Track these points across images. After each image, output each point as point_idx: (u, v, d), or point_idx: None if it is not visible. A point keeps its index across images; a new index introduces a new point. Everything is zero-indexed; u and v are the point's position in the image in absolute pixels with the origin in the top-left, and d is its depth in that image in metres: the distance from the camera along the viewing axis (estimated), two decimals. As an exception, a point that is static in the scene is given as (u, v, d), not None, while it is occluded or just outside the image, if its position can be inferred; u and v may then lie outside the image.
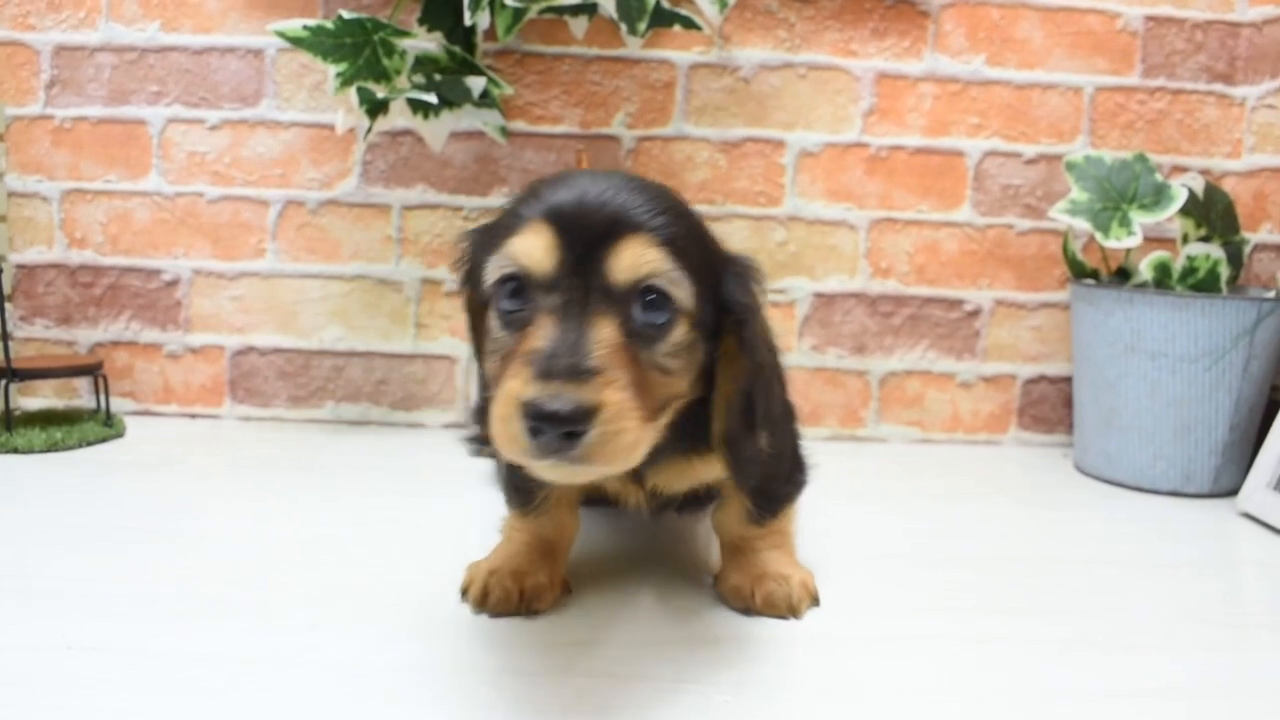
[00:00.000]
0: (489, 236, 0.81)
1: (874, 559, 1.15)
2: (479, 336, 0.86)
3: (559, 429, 0.68)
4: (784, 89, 1.65)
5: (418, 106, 1.46)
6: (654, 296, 0.76)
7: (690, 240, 0.80)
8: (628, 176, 0.81)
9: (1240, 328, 1.41)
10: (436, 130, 1.49)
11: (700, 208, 1.62)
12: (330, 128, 1.62)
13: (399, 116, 1.46)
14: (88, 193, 1.64)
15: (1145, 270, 1.47)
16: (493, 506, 1.12)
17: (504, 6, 1.43)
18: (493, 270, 0.78)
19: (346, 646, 0.87)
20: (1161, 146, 1.68)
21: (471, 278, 0.84)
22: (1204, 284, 1.47)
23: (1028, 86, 1.66)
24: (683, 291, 0.77)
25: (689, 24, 1.49)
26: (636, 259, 0.75)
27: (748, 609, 0.97)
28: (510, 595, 0.93)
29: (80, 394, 1.69)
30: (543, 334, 0.73)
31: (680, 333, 0.78)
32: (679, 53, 1.64)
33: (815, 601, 0.99)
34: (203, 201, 1.64)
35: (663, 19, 1.48)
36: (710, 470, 0.92)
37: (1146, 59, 1.67)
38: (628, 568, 1.09)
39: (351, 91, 1.39)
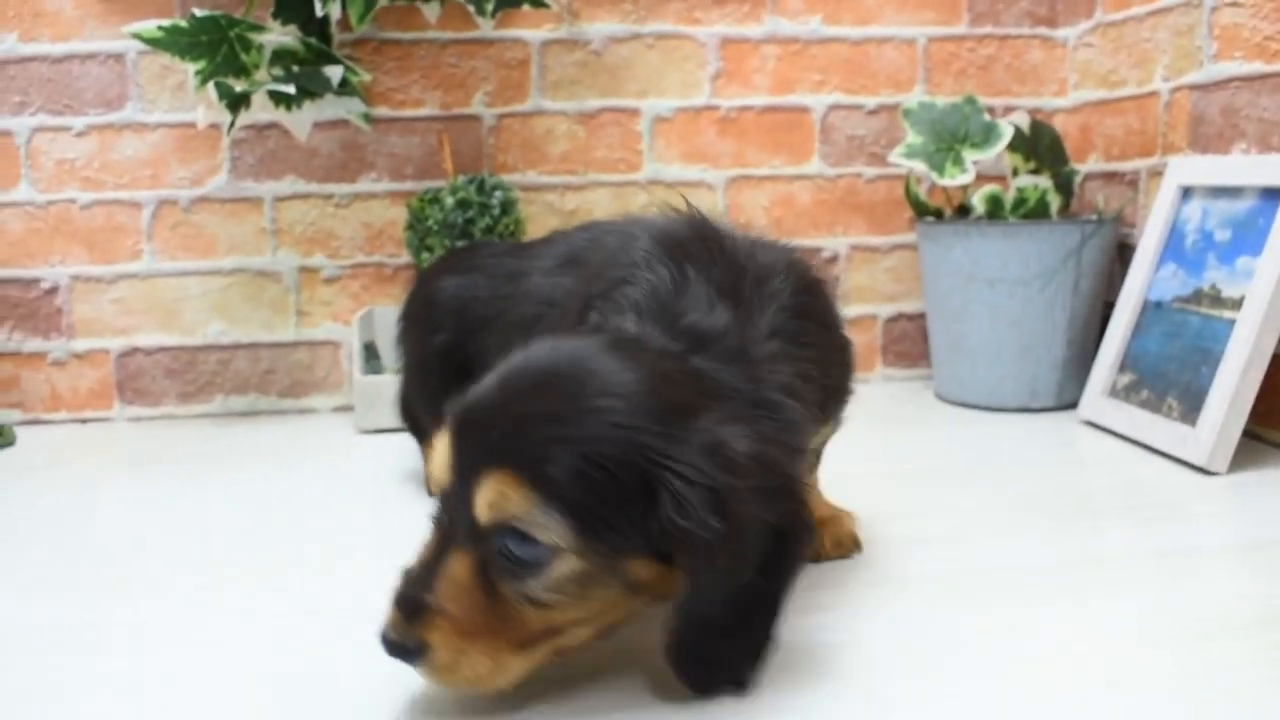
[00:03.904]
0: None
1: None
2: None
3: (393, 655, 0.68)
4: (634, 59, 1.72)
5: (279, 99, 1.50)
6: (519, 536, 0.67)
7: (597, 462, 0.67)
8: (579, 358, 0.72)
9: (1067, 250, 1.52)
10: (300, 121, 1.53)
11: (563, 179, 1.71)
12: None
13: (261, 110, 1.50)
14: (-42, 208, 1.66)
15: (978, 204, 1.58)
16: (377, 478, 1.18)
17: (354, -4, 1.47)
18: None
19: (243, 615, 0.92)
20: (993, 90, 1.79)
21: None
22: (1035, 213, 1.57)
23: (864, 42, 1.76)
24: (555, 534, 0.66)
25: (537, 3, 1.55)
26: (494, 497, 0.67)
27: (817, 557, 0.99)
28: None
29: (-33, 408, 1.70)
30: (418, 553, 0.71)
31: (565, 568, 0.67)
32: (531, 31, 1.70)
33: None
34: (75, 208, 1.67)
35: (509, 0, 1.54)
36: None
37: (973, 8, 1.78)
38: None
39: (211, 87, 1.43)
